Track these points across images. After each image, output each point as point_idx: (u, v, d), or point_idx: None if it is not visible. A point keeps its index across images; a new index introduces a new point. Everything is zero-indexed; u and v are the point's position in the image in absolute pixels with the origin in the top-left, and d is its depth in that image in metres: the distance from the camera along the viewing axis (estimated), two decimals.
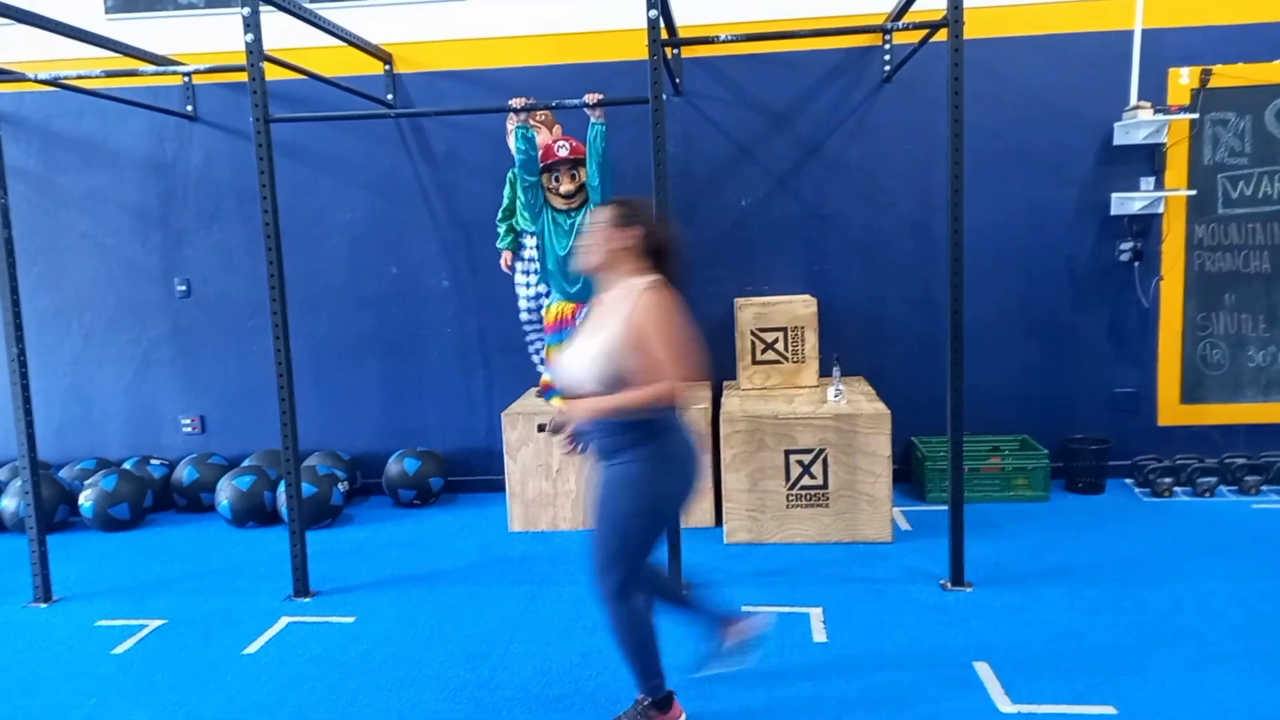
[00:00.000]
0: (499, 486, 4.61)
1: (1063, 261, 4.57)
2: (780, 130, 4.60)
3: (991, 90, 4.41)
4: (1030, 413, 4.64)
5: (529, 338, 4.57)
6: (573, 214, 3.77)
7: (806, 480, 3.85)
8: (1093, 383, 4.63)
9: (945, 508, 3.39)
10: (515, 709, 2.62)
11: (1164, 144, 4.42)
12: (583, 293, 3.70)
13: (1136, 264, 4.52)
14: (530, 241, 4.36)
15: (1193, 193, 4.46)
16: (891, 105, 4.55)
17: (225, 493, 4.42)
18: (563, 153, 3.71)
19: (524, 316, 4.51)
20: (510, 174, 4.36)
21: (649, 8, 3.20)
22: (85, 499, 4.44)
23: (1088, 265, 4.57)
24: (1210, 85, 4.41)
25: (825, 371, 4.39)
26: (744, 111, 4.60)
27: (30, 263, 4.85)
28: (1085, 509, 4.20)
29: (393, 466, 4.67)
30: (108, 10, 4.74)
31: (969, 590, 3.30)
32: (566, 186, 3.69)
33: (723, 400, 4.19)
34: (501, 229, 4.46)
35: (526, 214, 4.18)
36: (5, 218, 3.45)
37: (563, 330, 3.84)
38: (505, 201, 4.41)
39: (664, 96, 3.27)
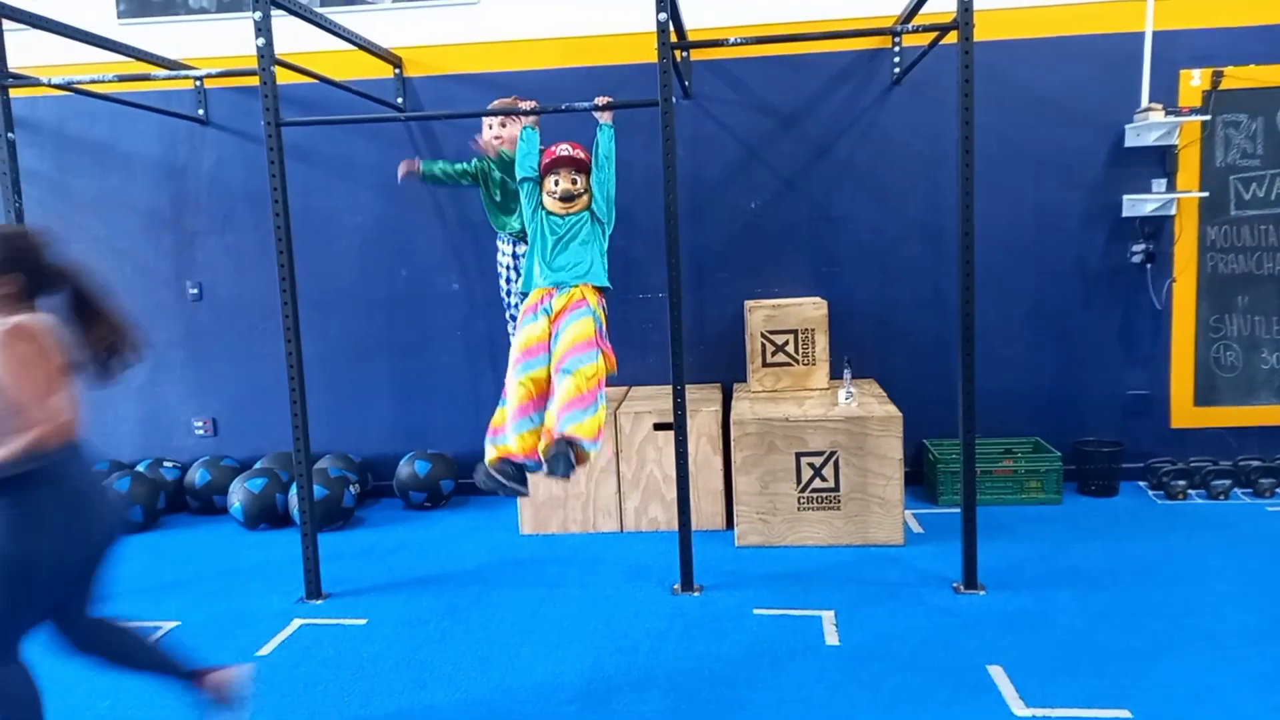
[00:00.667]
0: None
1: (1074, 264, 4.56)
2: (789, 132, 4.60)
3: (1002, 92, 4.40)
4: (1042, 415, 4.63)
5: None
6: (568, 217, 3.42)
7: (818, 483, 3.84)
8: (1105, 385, 4.61)
9: (957, 510, 3.38)
10: (527, 711, 2.62)
11: (1175, 146, 4.40)
12: (564, 280, 3.37)
13: (1149, 266, 4.50)
14: (505, 248, 4.28)
15: (1205, 195, 4.44)
16: (901, 107, 4.54)
17: (237, 495, 4.43)
18: (564, 153, 3.42)
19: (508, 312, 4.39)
20: (478, 165, 4.16)
21: (658, 10, 3.21)
22: None
23: (1099, 267, 4.55)
24: (1222, 87, 4.39)
25: (836, 374, 4.38)
26: (753, 114, 4.60)
27: None
28: (1098, 512, 4.19)
29: (403, 469, 4.68)
30: (120, 15, 4.77)
31: (982, 593, 3.29)
32: (565, 186, 3.37)
33: (733, 403, 4.19)
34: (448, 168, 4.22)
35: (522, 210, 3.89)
36: (20, 220, 3.47)
37: (531, 314, 3.36)
38: (463, 167, 4.19)
39: (673, 99, 3.28)
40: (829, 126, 4.58)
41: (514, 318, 4.28)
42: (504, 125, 4.06)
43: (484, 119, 4.11)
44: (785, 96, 4.57)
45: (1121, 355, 4.60)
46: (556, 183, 3.40)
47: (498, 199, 4.19)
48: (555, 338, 3.26)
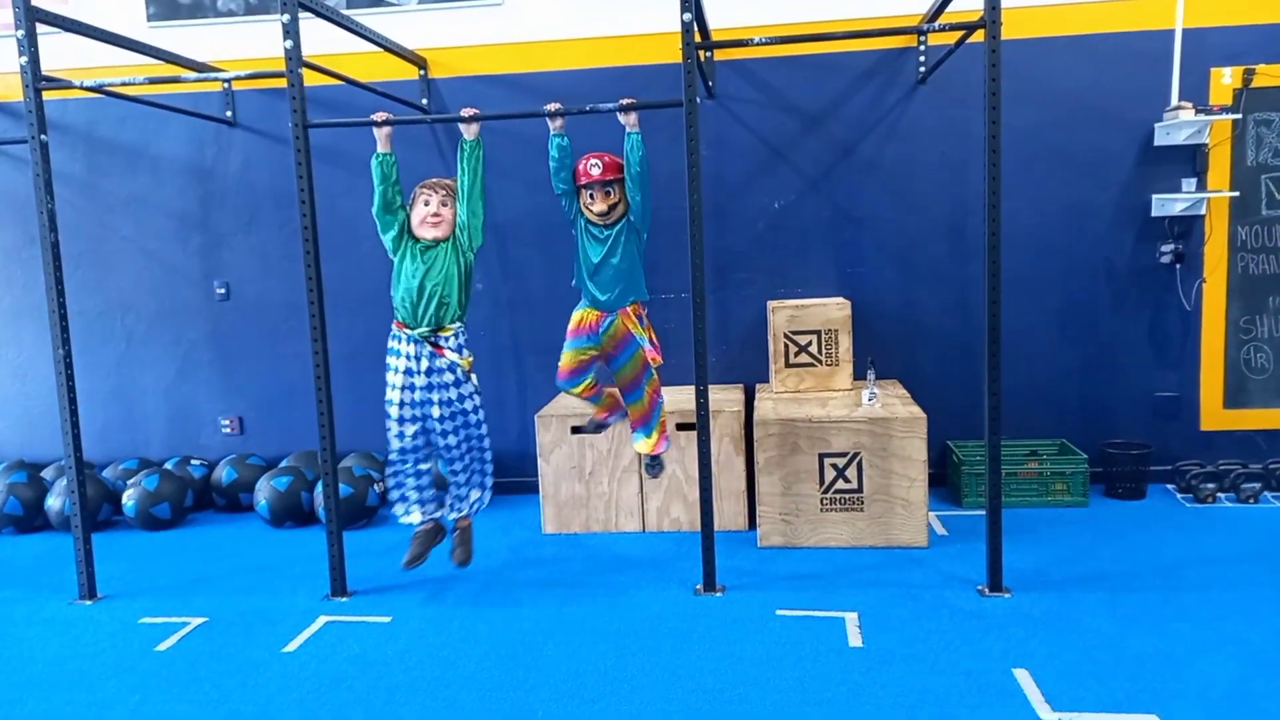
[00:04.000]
0: (532, 488, 4.63)
1: (1102, 264, 4.52)
2: (814, 132, 4.58)
3: (1029, 91, 4.37)
4: (1069, 417, 4.59)
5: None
6: (610, 227, 3.56)
7: (841, 484, 3.83)
8: (1133, 387, 4.56)
9: (982, 513, 3.36)
10: (551, 709, 2.63)
11: (1206, 145, 4.35)
12: (611, 302, 3.60)
13: (1178, 266, 4.45)
14: None
15: (1236, 194, 4.38)
16: (926, 107, 4.51)
17: (263, 493, 4.48)
18: (595, 173, 3.50)
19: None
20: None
21: (683, 11, 3.20)
22: (128, 498, 4.52)
23: (1128, 267, 4.50)
24: (1254, 85, 4.33)
25: (859, 375, 4.36)
26: (777, 114, 4.59)
27: (75, 266, 4.96)
28: (1126, 515, 4.14)
29: None
30: (150, 18, 4.83)
31: (1007, 596, 3.27)
32: (600, 206, 3.50)
33: (755, 403, 4.18)
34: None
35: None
36: (52, 222, 3.53)
37: (579, 337, 3.65)
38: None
39: (697, 99, 3.28)
40: (853, 126, 4.56)
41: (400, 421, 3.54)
42: (444, 204, 3.49)
43: (417, 192, 3.52)
44: (809, 96, 4.56)
45: (1150, 356, 4.54)
46: (591, 196, 3.54)
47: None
48: (611, 366, 3.70)
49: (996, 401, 3.24)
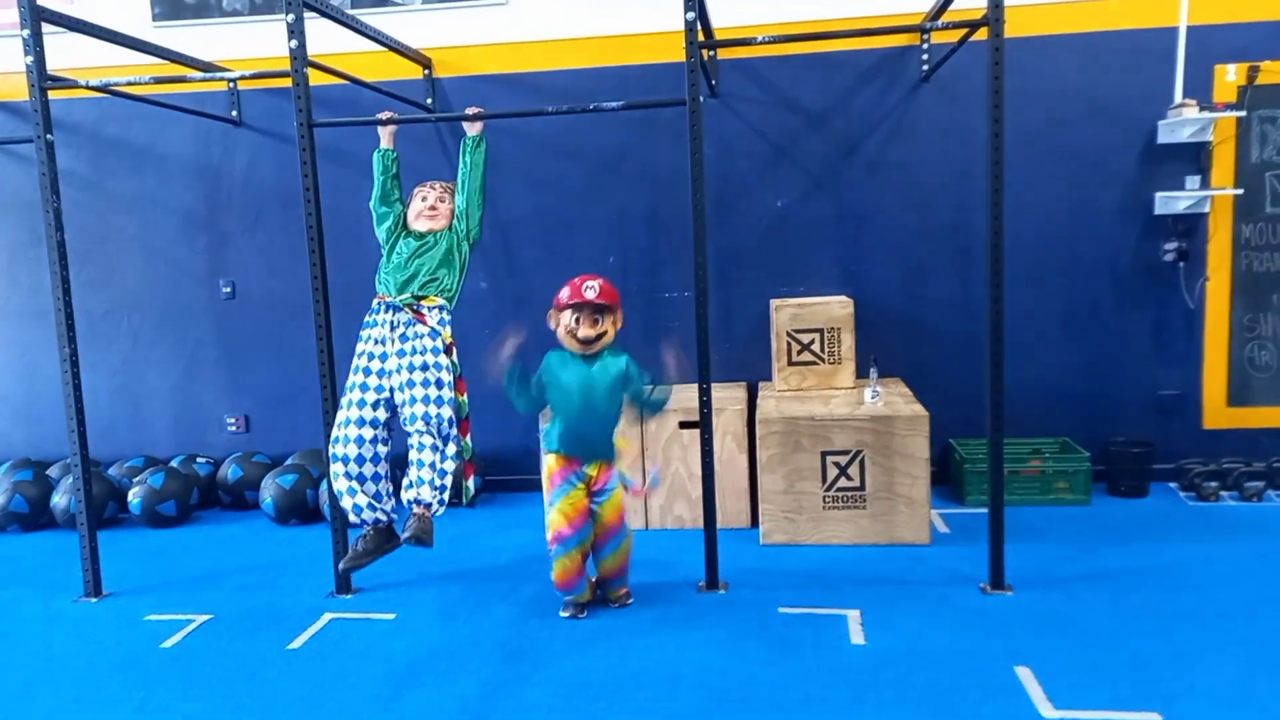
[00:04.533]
0: (536, 486, 4.64)
1: (1105, 262, 4.51)
2: (817, 131, 4.58)
3: (1032, 89, 4.36)
4: (1071, 415, 4.59)
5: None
6: (593, 366, 3.21)
7: (843, 482, 3.83)
8: (1136, 385, 4.56)
9: (984, 510, 3.37)
10: (556, 705, 2.64)
11: (1210, 142, 4.34)
12: (586, 452, 3.23)
13: (1181, 264, 4.45)
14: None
15: (1240, 192, 4.38)
16: (929, 105, 4.52)
17: (269, 491, 4.50)
18: (590, 295, 3.11)
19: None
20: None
21: (686, 10, 3.21)
22: (134, 496, 4.55)
23: (1131, 265, 4.50)
24: (1258, 82, 4.33)
25: (862, 373, 4.37)
26: (780, 112, 4.59)
27: (81, 265, 4.97)
28: (1128, 513, 4.14)
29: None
30: (155, 18, 4.85)
31: (1009, 593, 3.27)
32: (585, 332, 3.14)
33: (758, 401, 4.19)
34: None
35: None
36: (58, 221, 3.55)
37: (560, 484, 3.25)
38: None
39: (701, 98, 3.28)
40: (856, 124, 4.56)
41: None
42: (442, 200, 3.56)
43: (416, 190, 3.63)
44: (812, 95, 4.56)
45: (1153, 355, 4.54)
46: (577, 320, 3.18)
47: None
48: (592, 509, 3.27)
49: (999, 399, 3.24)
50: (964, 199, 4.52)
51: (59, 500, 4.56)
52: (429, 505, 3.30)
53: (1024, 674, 2.69)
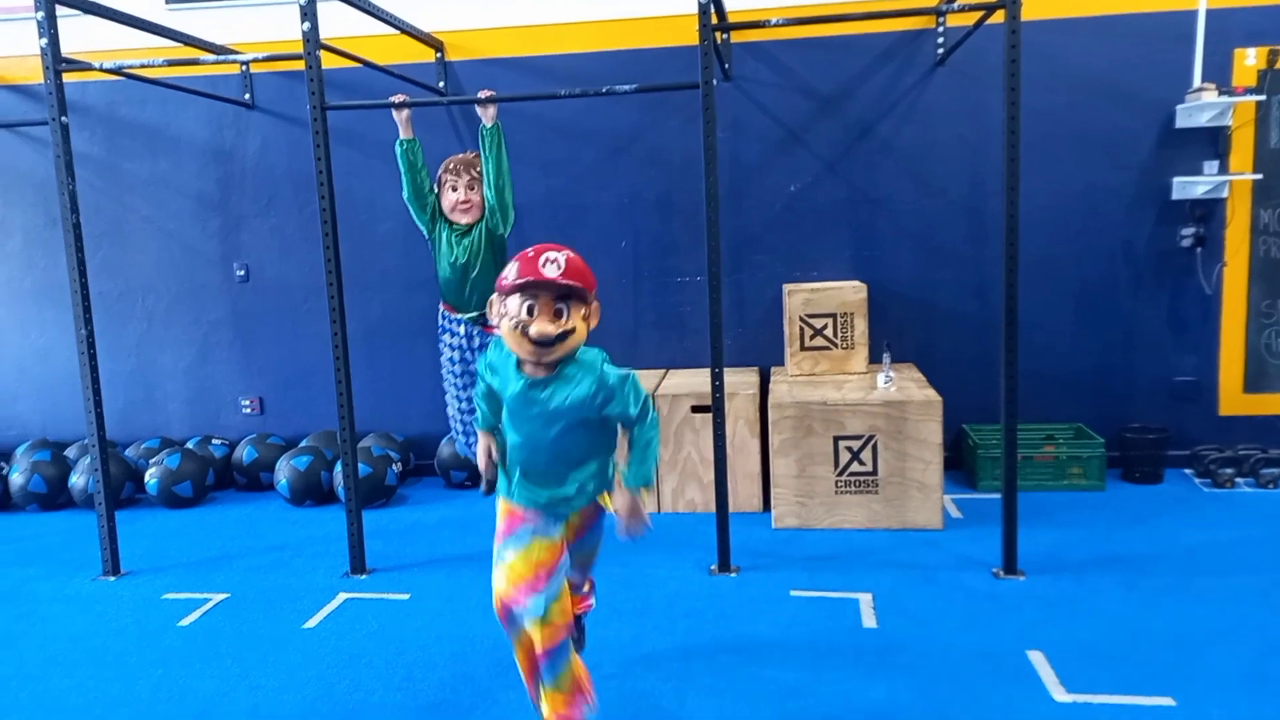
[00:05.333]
0: None
1: (1120, 247, 4.48)
2: (830, 115, 4.56)
3: (1048, 73, 4.32)
4: (1086, 401, 4.57)
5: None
6: (547, 385, 2.11)
7: (856, 466, 3.83)
8: (1151, 371, 4.53)
9: (997, 496, 3.37)
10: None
11: (1229, 127, 4.30)
12: (549, 502, 2.21)
13: (1199, 250, 4.41)
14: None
15: (1259, 177, 4.34)
16: (944, 89, 4.48)
17: (284, 472, 4.53)
18: (550, 272, 2.03)
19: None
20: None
21: None
22: (150, 477, 4.59)
23: (1147, 251, 4.47)
24: (1279, 66, 4.27)
25: (875, 358, 4.36)
26: (794, 96, 4.57)
27: (95, 247, 5.00)
28: (1143, 499, 4.13)
29: (444, 448, 4.74)
30: (168, 1, 4.85)
31: (1022, 578, 3.27)
32: (542, 328, 2.03)
33: (771, 386, 4.19)
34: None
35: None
36: (74, 203, 3.56)
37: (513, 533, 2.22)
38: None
39: (714, 81, 3.27)
40: (871, 108, 4.53)
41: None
42: (471, 189, 3.79)
43: (443, 177, 3.85)
44: (826, 78, 4.53)
45: (1169, 341, 4.52)
46: (531, 310, 2.05)
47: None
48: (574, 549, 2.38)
49: (1013, 385, 3.23)
50: (978, 184, 4.49)
51: (77, 480, 4.60)
52: None
53: (1036, 658, 2.69)
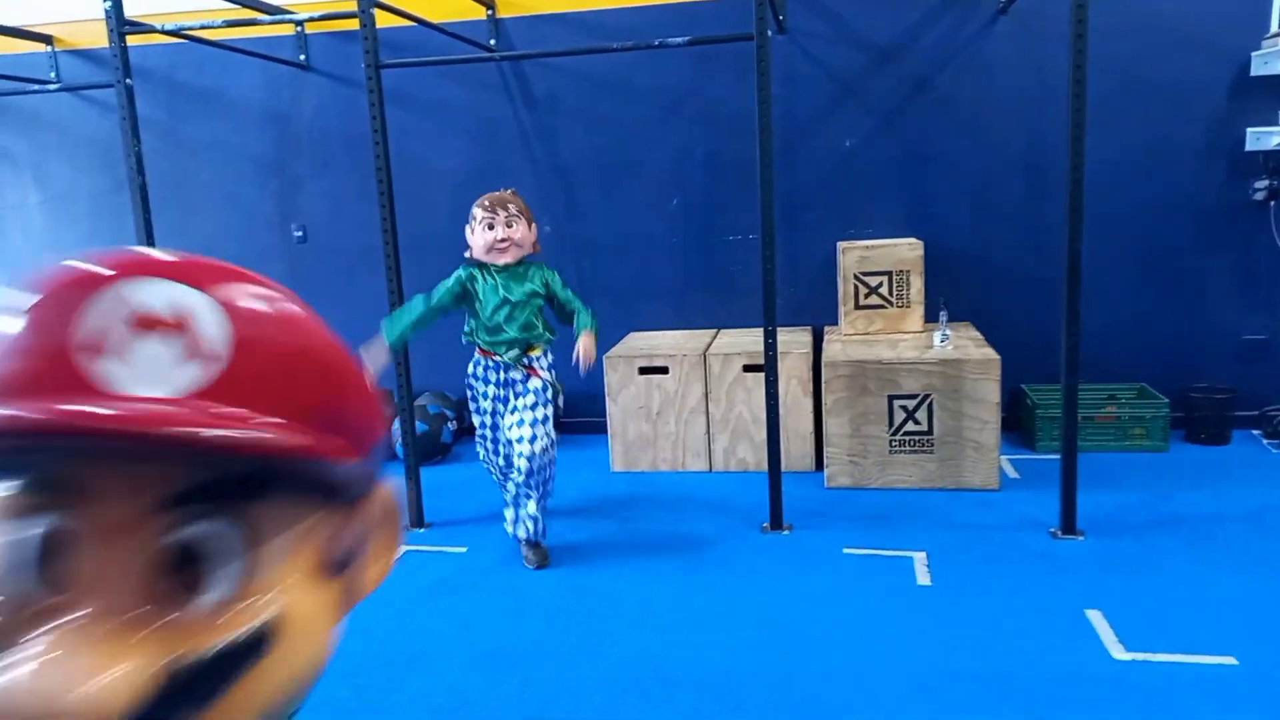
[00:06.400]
0: (600, 428, 4.69)
1: (1187, 201, 4.33)
2: (887, 67, 4.46)
3: (1115, 21, 4.16)
4: (1149, 360, 4.45)
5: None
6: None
7: (910, 426, 3.80)
8: (1218, 329, 4.40)
9: (1055, 457, 3.31)
10: (621, 637, 2.71)
11: None
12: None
13: (1272, 204, 4.25)
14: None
15: None
16: (1006, 39, 4.35)
17: None
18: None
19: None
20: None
21: None
22: None
23: (1216, 205, 4.31)
24: None
25: (931, 317, 4.29)
26: (849, 49, 4.47)
27: (159, 210, 5.06)
28: (1208, 460, 4.03)
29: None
30: None
31: (1080, 539, 3.23)
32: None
33: (824, 345, 4.16)
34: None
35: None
36: (139, 165, 3.65)
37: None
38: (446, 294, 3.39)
39: (769, 33, 3.21)
40: (929, 60, 4.42)
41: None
42: (510, 226, 3.16)
43: (479, 220, 3.20)
44: (883, 30, 4.43)
45: (1237, 298, 4.37)
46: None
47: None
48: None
49: (1075, 343, 3.16)
50: (1039, 138, 4.37)
51: None
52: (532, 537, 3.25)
53: (1094, 617, 2.66)
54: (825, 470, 3.92)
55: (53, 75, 5.17)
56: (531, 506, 3.22)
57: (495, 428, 3.38)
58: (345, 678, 2.53)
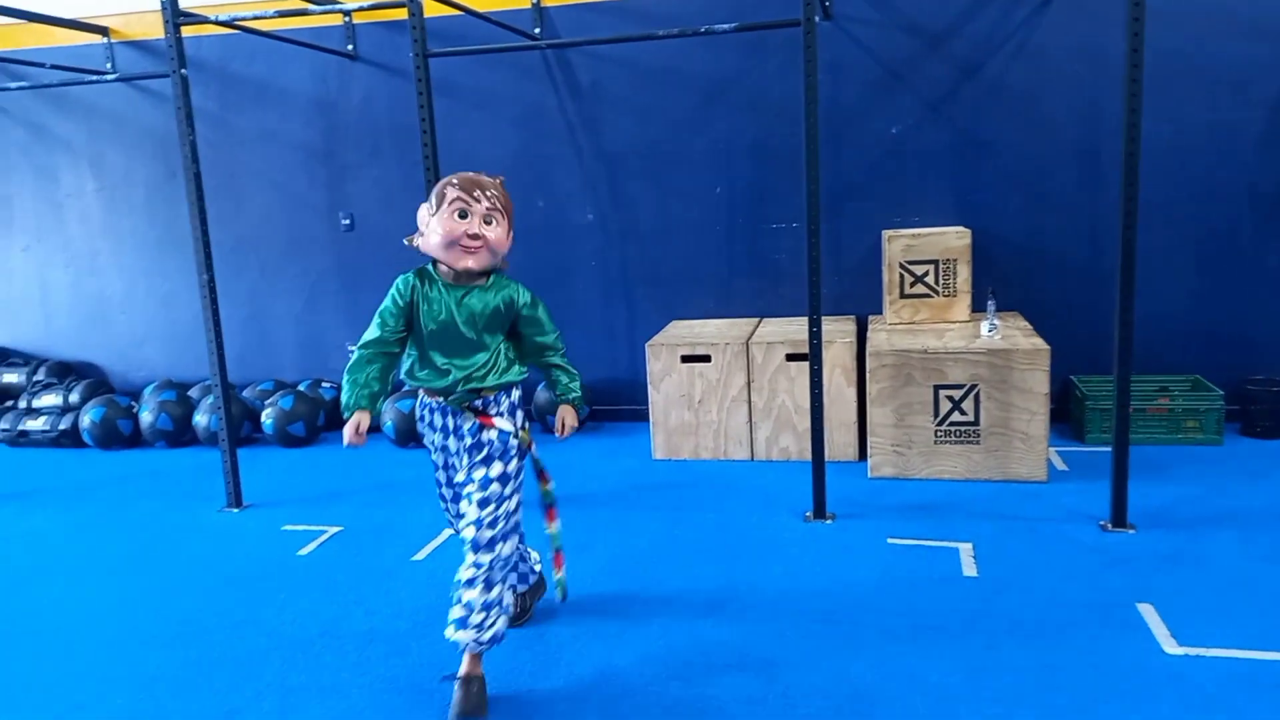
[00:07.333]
0: (642, 416, 4.71)
1: (1245, 189, 4.23)
2: (934, 53, 4.40)
3: (1170, 4, 4.07)
4: (1203, 351, 4.36)
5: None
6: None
7: (956, 416, 3.76)
8: (1276, 320, 4.29)
9: (1106, 449, 3.26)
10: (665, 622, 2.72)
11: None
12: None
13: None
14: None
15: None
16: (1057, 24, 4.27)
17: (389, 415, 4.70)
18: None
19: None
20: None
21: None
22: (266, 417, 4.83)
23: (1274, 192, 4.20)
24: None
25: (978, 306, 4.24)
26: (897, 34, 4.42)
27: (211, 199, 5.17)
28: (1264, 454, 3.94)
29: (541, 394, 4.84)
30: None
31: (1131, 532, 3.18)
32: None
33: (869, 335, 4.13)
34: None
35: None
36: (194, 153, 3.73)
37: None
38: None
39: (816, 19, 3.19)
40: (978, 46, 4.35)
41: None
42: (487, 222, 2.27)
43: (448, 202, 2.28)
44: (931, 15, 4.37)
45: None
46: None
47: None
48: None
49: (1128, 333, 3.11)
50: (1091, 124, 4.28)
51: (200, 419, 4.88)
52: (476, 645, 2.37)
53: (1146, 610, 2.62)
54: (869, 460, 3.90)
55: (109, 66, 5.29)
56: (471, 593, 2.33)
57: (451, 483, 2.58)
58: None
